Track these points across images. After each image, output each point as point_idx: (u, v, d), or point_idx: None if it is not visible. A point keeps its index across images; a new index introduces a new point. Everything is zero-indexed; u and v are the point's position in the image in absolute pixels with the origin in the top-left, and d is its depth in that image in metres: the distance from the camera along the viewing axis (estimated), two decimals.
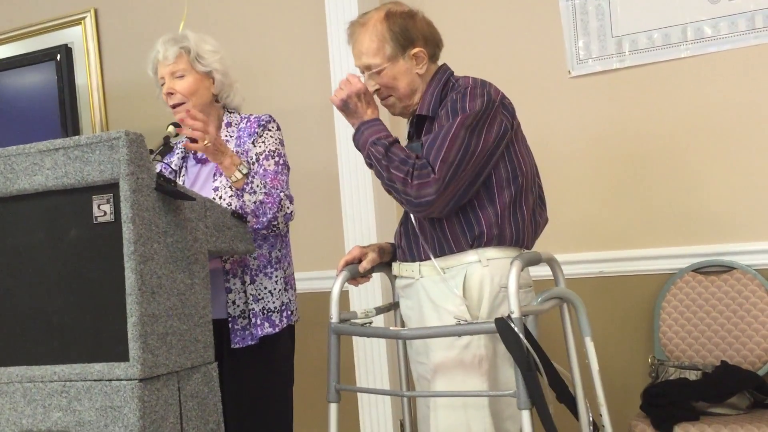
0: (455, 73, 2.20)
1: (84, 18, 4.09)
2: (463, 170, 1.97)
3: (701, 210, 2.94)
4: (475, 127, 1.99)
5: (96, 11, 4.09)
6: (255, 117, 2.50)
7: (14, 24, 4.28)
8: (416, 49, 2.12)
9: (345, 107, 2.12)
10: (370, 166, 2.08)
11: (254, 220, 2.32)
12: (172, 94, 2.44)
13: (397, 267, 2.20)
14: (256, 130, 2.45)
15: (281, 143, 2.50)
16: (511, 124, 2.07)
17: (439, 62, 2.22)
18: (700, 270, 2.92)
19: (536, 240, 2.20)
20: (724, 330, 2.84)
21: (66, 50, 3.79)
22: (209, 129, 2.24)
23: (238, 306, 2.38)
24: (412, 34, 2.11)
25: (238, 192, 2.28)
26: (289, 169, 2.50)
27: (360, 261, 2.21)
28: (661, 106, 2.99)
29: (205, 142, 2.21)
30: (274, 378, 2.46)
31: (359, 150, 2.12)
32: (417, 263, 2.12)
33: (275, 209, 2.32)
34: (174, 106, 2.46)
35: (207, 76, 2.47)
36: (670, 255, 2.98)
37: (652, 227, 3.01)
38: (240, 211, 2.30)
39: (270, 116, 2.51)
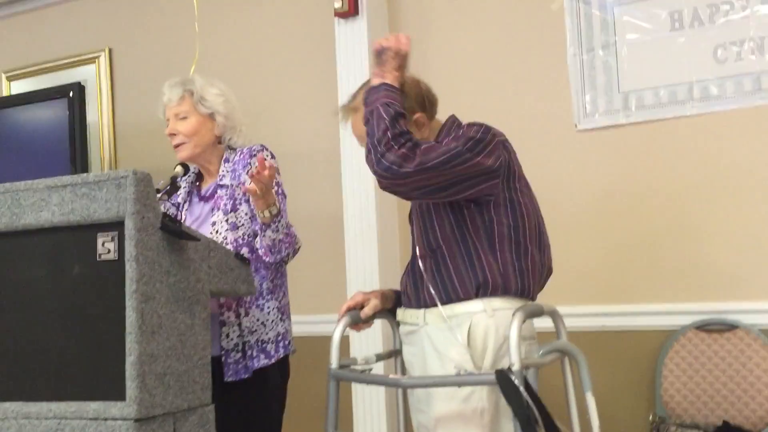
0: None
1: (98, 57, 4.15)
2: (449, 167, 1.95)
3: (705, 267, 2.93)
4: (473, 148, 1.98)
5: (110, 51, 4.16)
6: (247, 148, 2.54)
7: (30, 60, 4.34)
8: (415, 116, 2.13)
9: (380, 54, 2.11)
10: (367, 122, 2.04)
11: (268, 254, 2.36)
12: (174, 134, 2.51)
13: (401, 313, 2.19)
14: (248, 161, 2.49)
15: (276, 171, 2.51)
16: (508, 163, 2.07)
17: (447, 112, 2.24)
18: (703, 327, 2.90)
19: (541, 290, 2.19)
20: (726, 389, 2.81)
21: (79, 88, 3.84)
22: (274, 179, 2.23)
23: (232, 339, 2.40)
24: (405, 105, 2.09)
25: (263, 226, 2.31)
26: (285, 196, 2.53)
27: (362, 307, 2.21)
28: (666, 162, 3.01)
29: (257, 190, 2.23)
30: (263, 413, 2.46)
31: (366, 104, 2.07)
32: (422, 310, 2.10)
33: (290, 249, 2.38)
34: (176, 146, 2.52)
35: (210, 117, 2.53)
36: (673, 311, 2.96)
37: (655, 283, 3.00)
38: (242, 243, 2.34)
39: (262, 145, 2.55)
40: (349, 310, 2.20)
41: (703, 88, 2.96)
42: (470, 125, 2.06)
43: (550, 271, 2.22)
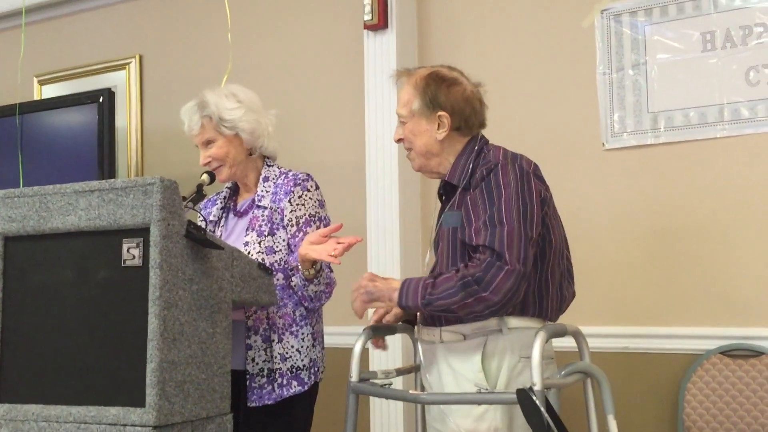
0: (490, 142, 2.20)
1: (129, 63, 4.19)
2: (531, 241, 1.95)
3: (731, 292, 2.89)
4: (522, 197, 1.98)
5: (141, 57, 4.20)
6: (292, 174, 2.49)
7: (61, 65, 4.39)
8: (440, 113, 2.12)
9: (372, 298, 2.10)
10: (449, 311, 1.99)
11: (306, 301, 2.40)
12: (208, 162, 2.49)
13: (419, 330, 2.18)
14: (292, 188, 2.45)
15: (320, 205, 2.50)
16: (544, 194, 2.07)
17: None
18: (727, 353, 2.86)
19: (562, 314, 2.17)
20: (750, 416, 2.76)
21: (109, 94, 3.87)
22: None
23: (257, 364, 2.37)
24: (440, 100, 2.11)
25: (306, 282, 2.34)
26: None
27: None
28: (694, 184, 2.97)
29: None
30: None
31: (424, 306, 2.01)
32: (438, 328, 2.10)
33: (329, 296, 2.43)
34: (214, 170, 2.51)
35: (235, 136, 2.47)
36: (698, 335, 2.92)
37: (680, 306, 2.97)
38: (278, 268, 2.37)
39: (308, 175, 2.51)
40: (378, 317, 2.22)
41: (734, 110, 2.92)
42: (502, 169, 2.02)
43: (572, 296, 2.20)
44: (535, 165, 2.10)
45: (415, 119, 2.14)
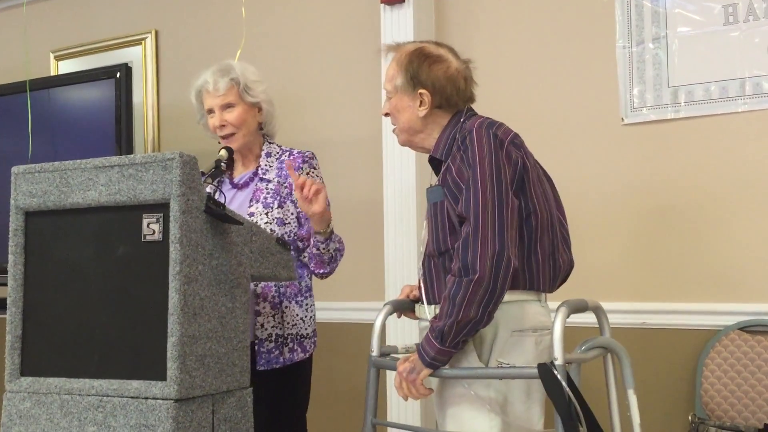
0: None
1: (145, 38, 4.18)
2: (508, 209, 1.92)
3: (751, 267, 2.87)
4: (498, 173, 1.94)
5: (157, 32, 4.18)
6: (298, 152, 2.56)
7: (78, 41, 4.39)
8: (421, 90, 2.11)
9: (414, 374, 1.99)
10: (470, 331, 1.93)
11: (322, 267, 2.45)
12: (224, 125, 2.51)
13: (418, 309, 2.19)
14: (301, 165, 2.52)
15: (323, 182, 2.57)
16: (524, 162, 2.02)
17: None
18: (746, 329, 2.85)
19: (561, 283, 2.15)
20: None
21: (126, 69, 3.86)
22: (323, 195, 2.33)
23: (266, 329, 2.43)
24: (421, 78, 2.10)
25: (325, 241, 2.39)
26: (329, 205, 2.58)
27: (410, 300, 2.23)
28: (715, 159, 2.95)
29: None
30: (293, 403, 2.51)
31: (448, 349, 1.94)
32: (432, 306, 2.09)
33: (342, 253, 2.49)
34: (224, 137, 2.53)
35: (254, 106, 2.54)
36: (717, 311, 2.91)
37: (699, 281, 2.95)
38: (315, 257, 2.44)
39: (312, 153, 2.58)
40: (405, 295, 2.24)
41: (755, 84, 2.89)
42: (477, 139, 1.98)
43: (570, 264, 2.17)
44: (515, 134, 2.05)
45: (399, 95, 2.14)
